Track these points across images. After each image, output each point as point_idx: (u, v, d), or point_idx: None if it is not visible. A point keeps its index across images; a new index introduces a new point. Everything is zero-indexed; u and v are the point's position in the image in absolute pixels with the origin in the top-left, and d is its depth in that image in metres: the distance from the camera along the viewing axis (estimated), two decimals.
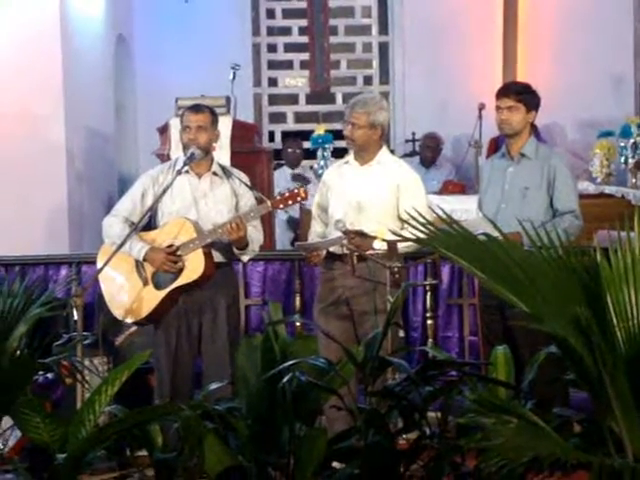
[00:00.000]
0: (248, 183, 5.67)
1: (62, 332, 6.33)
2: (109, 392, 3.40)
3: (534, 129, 9.13)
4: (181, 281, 5.44)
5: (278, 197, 5.52)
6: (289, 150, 10.00)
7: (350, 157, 5.74)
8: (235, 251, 5.53)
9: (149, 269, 5.51)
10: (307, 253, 5.59)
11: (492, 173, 5.69)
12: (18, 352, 4.22)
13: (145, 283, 5.52)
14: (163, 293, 5.47)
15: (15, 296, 5.91)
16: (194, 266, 5.42)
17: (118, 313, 5.58)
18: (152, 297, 5.49)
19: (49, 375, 5.90)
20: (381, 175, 5.59)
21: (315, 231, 5.79)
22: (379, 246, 5.30)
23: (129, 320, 5.60)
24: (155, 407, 4.02)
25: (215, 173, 5.61)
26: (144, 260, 5.48)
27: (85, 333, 5.58)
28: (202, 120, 5.54)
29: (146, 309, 5.49)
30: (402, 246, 5.14)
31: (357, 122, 5.54)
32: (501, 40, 10.74)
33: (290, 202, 5.50)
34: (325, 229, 5.73)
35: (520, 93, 5.55)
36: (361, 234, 5.38)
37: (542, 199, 5.48)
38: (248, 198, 5.60)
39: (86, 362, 5.65)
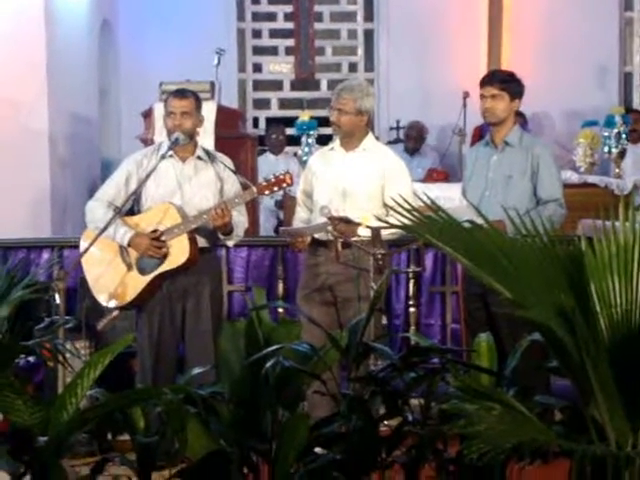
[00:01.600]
0: (232, 167, 5.66)
1: (44, 316, 6.31)
2: (91, 376, 3.39)
3: (522, 117, 9.22)
4: (166, 267, 5.43)
5: (264, 183, 5.51)
6: (272, 136, 9.99)
7: (335, 143, 5.73)
8: (220, 236, 5.52)
9: (133, 254, 5.49)
10: (292, 239, 5.59)
11: (476, 161, 5.70)
12: (0, 335, 4.20)
13: (129, 268, 5.50)
14: (148, 278, 5.45)
15: None
16: (179, 252, 5.41)
17: (102, 297, 5.56)
18: (136, 282, 5.48)
19: (31, 358, 5.89)
20: (367, 161, 5.59)
21: (300, 217, 5.78)
22: (364, 233, 5.30)
23: (113, 304, 5.58)
24: (137, 391, 4.01)
25: (199, 157, 5.59)
26: (128, 245, 5.47)
27: (67, 317, 5.56)
28: (186, 105, 5.52)
29: (130, 294, 5.48)
30: (386, 233, 5.14)
31: (343, 108, 5.53)
32: (486, 28, 10.74)
33: (276, 188, 5.50)
34: (310, 215, 5.72)
35: (504, 81, 5.55)
36: (346, 220, 5.38)
37: (526, 187, 5.49)
38: (232, 182, 5.59)
39: (68, 346, 5.63)
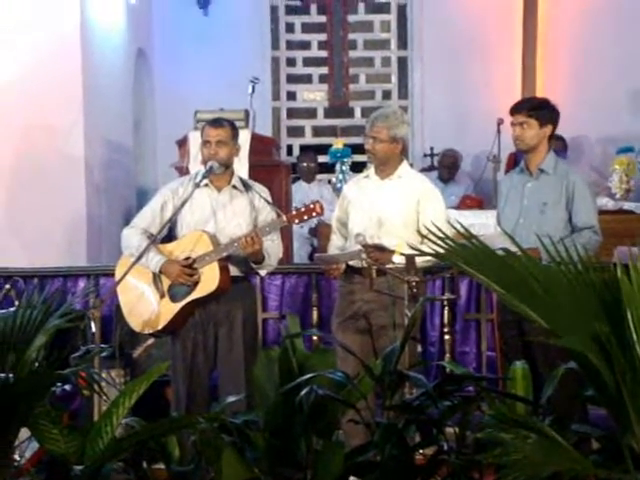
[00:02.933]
0: (268, 197, 5.68)
1: (80, 344, 6.34)
2: (126, 404, 3.40)
3: (562, 142, 9.20)
4: (196, 294, 5.45)
5: (294, 212, 5.53)
6: (303, 164, 10.00)
7: (370, 171, 5.75)
8: (252, 265, 5.53)
9: (165, 281, 5.52)
10: (326, 266, 5.59)
11: (511, 188, 5.68)
12: (36, 363, 4.22)
13: (162, 295, 5.53)
14: (179, 306, 5.48)
15: (34, 308, 5.91)
16: (209, 279, 5.43)
17: (135, 325, 5.59)
18: (168, 310, 5.50)
19: (67, 387, 5.90)
20: (402, 189, 5.59)
21: (335, 244, 5.79)
22: (398, 260, 5.30)
23: (146, 332, 5.61)
24: (172, 419, 4.01)
25: (235, 186, 5.62)
26: (160, 272, 5.50)
27: (103, 345, 5.58)
28: (222, 134, 5.55)
29: (162, 321, 5.51)
30: (420, 260, 5.13)
31: (378, 136, 5.55)
32: (520, 55, 10.74)
33: (306, 217, 5.51)
34: (345, 243, 5.73)
35: (532, 109, 5.52)
36: (380, 248, 5.38)
37: (561, 215, 5.46)
38: (267, 212, 5.61)
39: (103, 374, 5.65)
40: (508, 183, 5.77)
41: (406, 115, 5.96)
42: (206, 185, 5.56)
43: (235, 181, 5.63)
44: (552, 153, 5.63)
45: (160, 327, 5.52)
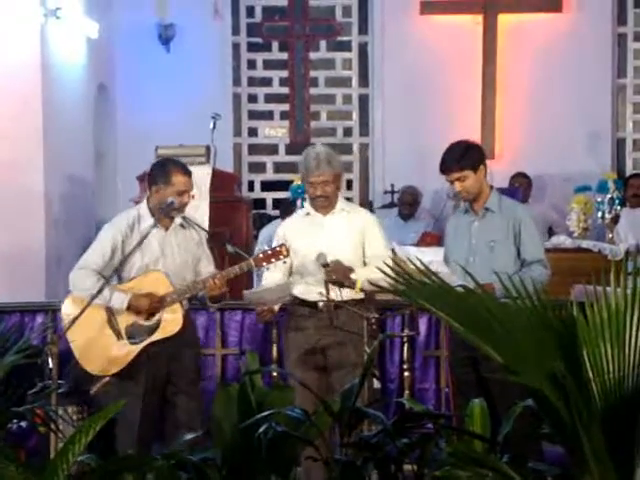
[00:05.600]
0: (206, 232, 5.75)
1: (37, 380, 6.28)
2: (82, 441, 3.37)
3: (527, 180, 9.32)
4: (159, 335, 5.45)
5: (260, 255, 5.56)
6: None
7: (309, 209, 5.77)
8: (208, 303, 5.58)
9: (122, 323, 5.48)
10: (257, 308, 5.59)
11: (457, 228, 5.75)
12: None
13: (118, 337, 5.49)
14: (140, 347, 5.45)
15: None
16: (173, 320, 5.45)
17: (91, 368, 5.53)
18: (128, 351, 5.47)
19: (23, 423, 5.85)
20: (346, 222, 5.64)
21: (272, 278, 5.74)
22: (355, 277, 5.37)
23: (104, 374, 5.55)
24: (128, 457, 3.98)
25: (182, 225, 5.64)
26: (128, 308, 5.45)
27: (60, 381, 5.53)
28: (191, 183, 5.58)
29: (121, 363, 5.47)
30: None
31: (328, 179, 5.60)
32: (480, 94, 10.83)
33: (273, 260, 5.54)
34: (282, 276, 5.69)
35: (459, 161, 5.53)
36: (339, 264, 5.41)
37: (509, 251, 5.53)
38: (204, 248, 5.69)
39: (60, 411, 5.61)
40: (454, 223, 5.83)
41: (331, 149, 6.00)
42: (154, 225, 5.53)
43: (179, 219, 5.64)
44: (495, 191, 5.68)
45: (119, 368, 5.48)
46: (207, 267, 5.63)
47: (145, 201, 5.69)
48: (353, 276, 5.43)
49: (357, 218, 5.71)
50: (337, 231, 5.63)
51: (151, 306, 5.42)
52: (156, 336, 5.44)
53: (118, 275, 5.59)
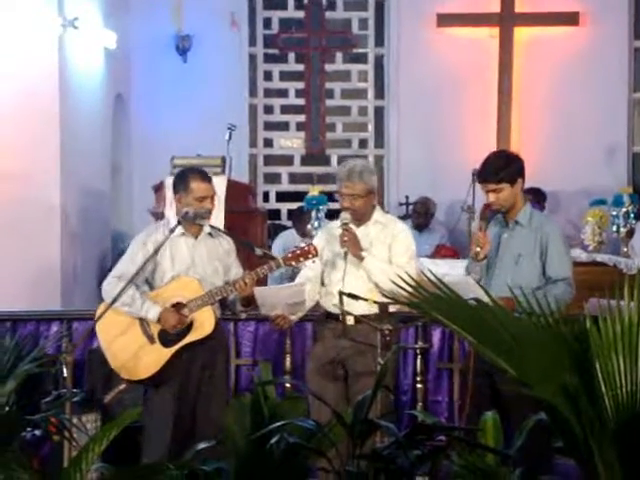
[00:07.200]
0: (233, 246, 5.76)
1: (51, 389, 6.31)
2: (96, 450, 3.38)
3: (542, 195, 9.28)
4: (191, 337, 5.46)
5: (289, 254, 5.56)
6: None
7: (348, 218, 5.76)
8: (239, 308, 5.61)
9: (154, 327, 5.50)
10: (270, 314, 5.58)
11: (493, 238, 5.69)
12: (7, 408, 4.21)
13: (151, 340, 5.51)
14: (172, 350, 5.46)
15: (5, 351, 5.88)
16: (204, 322, 5.46)
17: (115, 364, 5.54)
18: (160, 355, 5.47)
19: (37, 432, 5.87)
20: (378, 235, 5.64)
21: (305, 274, 5.76)
22: (365, 255, 5.45)
23: (126, 376, 5.57)
24: (142, 466, 4.00)
25: (210, 234, 5.66)
26: (157, 321, 5.48)
27: (74, 390, 5.55)
28: (211, 188, 5.62)
29: (153, 367, 5.47)
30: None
31: (357, 192, 5.60)
32: (496, 106, 10.85)
33: (301, 259, 5.55)
34: (316, 274, 5.71)
35: (498, 173, 5.46)
36: (355, 235, 5.49)
37: (535, 266, 5.48)
38: (234, 256, 5.71)
39: (74, 419, 5.62)
40: (490, 233, 5.78)
41: (371, 165, 6.03)
42: (182, 234, 5.58)
43: (207, 228, 5.68)
44: (528, 205, 5.64)
45: (150, 373, 5.48)
46: (238, 276, 5.62)
47: (174, 211, 5.76)
48: (364, 254, 5.47)
49: (388, 231, 5.69)
50: (367, 243, 5.63)
51: (180, 320, 5.44)
52: (188, 339, 5.46)
53: (149, 284, 5.62)
